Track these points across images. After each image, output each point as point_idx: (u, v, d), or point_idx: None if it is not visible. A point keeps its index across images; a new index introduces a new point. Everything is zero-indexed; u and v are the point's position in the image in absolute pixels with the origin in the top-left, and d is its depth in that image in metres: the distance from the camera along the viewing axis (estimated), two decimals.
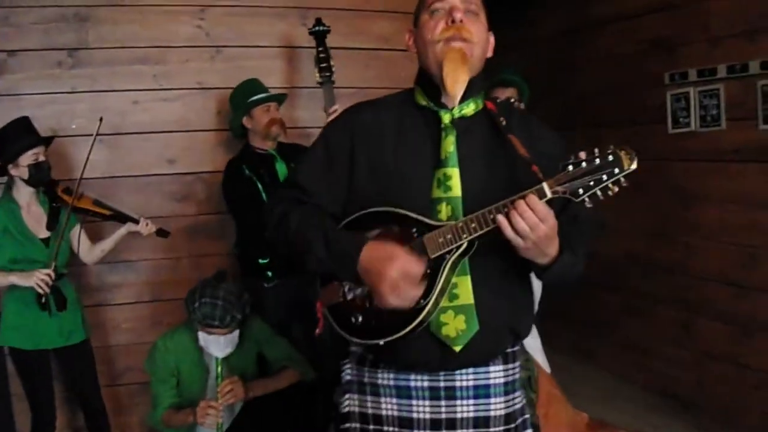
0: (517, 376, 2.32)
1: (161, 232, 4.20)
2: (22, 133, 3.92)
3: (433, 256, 2.04)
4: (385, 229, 2.14)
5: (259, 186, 4.31)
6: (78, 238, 4.13)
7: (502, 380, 2.25)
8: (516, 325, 2.26)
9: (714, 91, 4.47)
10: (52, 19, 4.49)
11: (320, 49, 4.35)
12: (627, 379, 5.40)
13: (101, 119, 4.01)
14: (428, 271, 2.04)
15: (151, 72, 4.69)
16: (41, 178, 3.93)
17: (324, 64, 4.30)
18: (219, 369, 3.77)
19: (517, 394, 2.33)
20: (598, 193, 1.90)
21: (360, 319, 2.17)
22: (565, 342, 4.85)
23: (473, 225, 1.99)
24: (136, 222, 4.09)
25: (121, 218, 4.09)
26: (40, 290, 3.80)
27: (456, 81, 2.12)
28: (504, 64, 4.92)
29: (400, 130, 2.28)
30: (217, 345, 3.74)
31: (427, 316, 2.05)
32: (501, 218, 1.93)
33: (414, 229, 2.09)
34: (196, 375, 3.88)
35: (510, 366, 2.29)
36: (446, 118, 2.21)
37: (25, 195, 3.97)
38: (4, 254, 3.89)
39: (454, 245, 2.02)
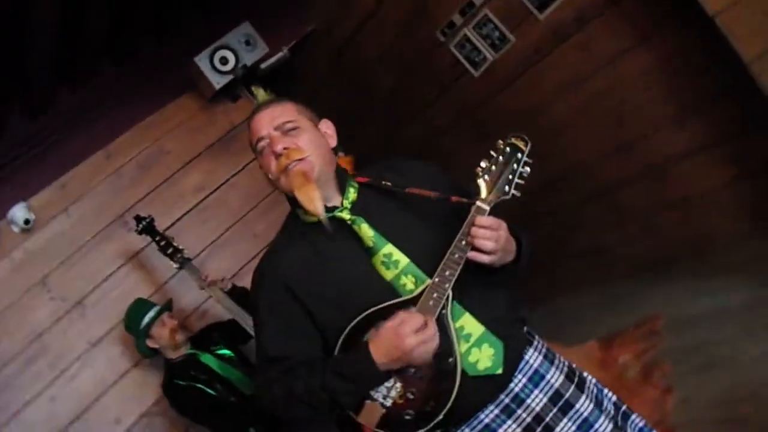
0: (542, 346, 2.52)
1: None
2: None
3: (435, 318, 2.21)
4: (375, 329, 2.24)
5: (200, 387, 4.41)
6: None
7: (540, 357, 2.46)
8: (518, 315, 2.51)
9: (484, 19, 4.67)
10: None
11: (157, 239, 4.51)
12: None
13: None
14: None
15: (45, 363, 4.86)
16: None
17: (170, 250, 4.47)
18: None
19: (557, 355, 2.55)
20: (520, 182, 2.24)
21: (411, 412, 2.27)
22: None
23: (447, 272, 2.19)
24: None
25: None
26: None
27: (312, 201, 2.27)
28: None
29: (317, 252, 2.38)
30: None
31: (461, 367, 2.23)
32: (472, 254, 2.18)
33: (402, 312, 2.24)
34: None
35: (535, 343, 2.50)
36: (345, 214, 2.36)
37: None
38: None
39: (444, 297, 2.20)
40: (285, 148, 2.32)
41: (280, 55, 5.41)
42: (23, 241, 5.00)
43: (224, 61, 5.16)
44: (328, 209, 2.36)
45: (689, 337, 3.87)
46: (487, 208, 2.22)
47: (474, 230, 2.18)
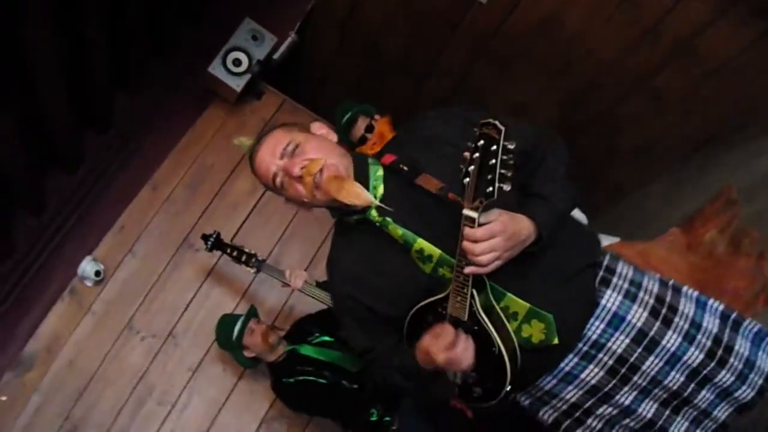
0: (623, 282, 2.49)
1: None
2: None
3: (466, 318, 2.23)
4: (423, 326, 2.33)
5: (310, 379, 4.44)
6: None
7: (619, 297, 2.44)
8: (579, 266, 2.43)
9: None
10: None
11: (228, 251, 4.57)
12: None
13: None
14: (475, 327, 2.24)
15: (154, 402, 5.01)
16: None
17: (243, 257, 4.52)
18: None
19: (642, 287, 2.49)
20: (504, 172, 1.90)
21: (478, 389, 2.39)
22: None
23: (461, 278, 2.16)
24: None
25: None
26: None
27: (358, 195, 2.26)
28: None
29: (365, 253, 2.43)
30: None
31: (510, 350, 2.26)
32: (469, 269, 2.10)
33: (440, 308, 2.30)
34: None
35: (615, 282, 2.48)
36: (372, 214, 2.33)
37: None
38: None
39: (468, 298, 2.20)
40: (302, 168, 2.29)
41: (289, 40, 5.39)
42: (99, 293, 5.10)
43: (237, 62, 5.17)
44: (360, 211, 2.37)
45: (765, 199, 3.88)
46: (475, 216, 2.00)
47: (465, 245, 2.05)
